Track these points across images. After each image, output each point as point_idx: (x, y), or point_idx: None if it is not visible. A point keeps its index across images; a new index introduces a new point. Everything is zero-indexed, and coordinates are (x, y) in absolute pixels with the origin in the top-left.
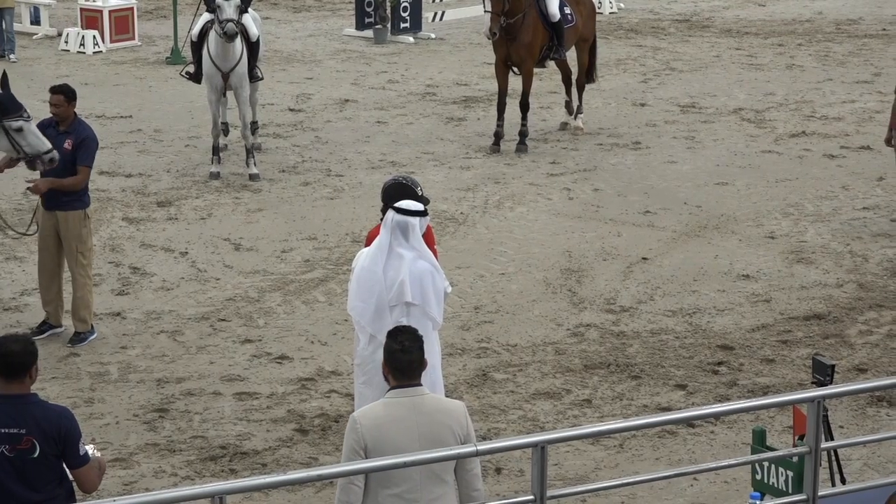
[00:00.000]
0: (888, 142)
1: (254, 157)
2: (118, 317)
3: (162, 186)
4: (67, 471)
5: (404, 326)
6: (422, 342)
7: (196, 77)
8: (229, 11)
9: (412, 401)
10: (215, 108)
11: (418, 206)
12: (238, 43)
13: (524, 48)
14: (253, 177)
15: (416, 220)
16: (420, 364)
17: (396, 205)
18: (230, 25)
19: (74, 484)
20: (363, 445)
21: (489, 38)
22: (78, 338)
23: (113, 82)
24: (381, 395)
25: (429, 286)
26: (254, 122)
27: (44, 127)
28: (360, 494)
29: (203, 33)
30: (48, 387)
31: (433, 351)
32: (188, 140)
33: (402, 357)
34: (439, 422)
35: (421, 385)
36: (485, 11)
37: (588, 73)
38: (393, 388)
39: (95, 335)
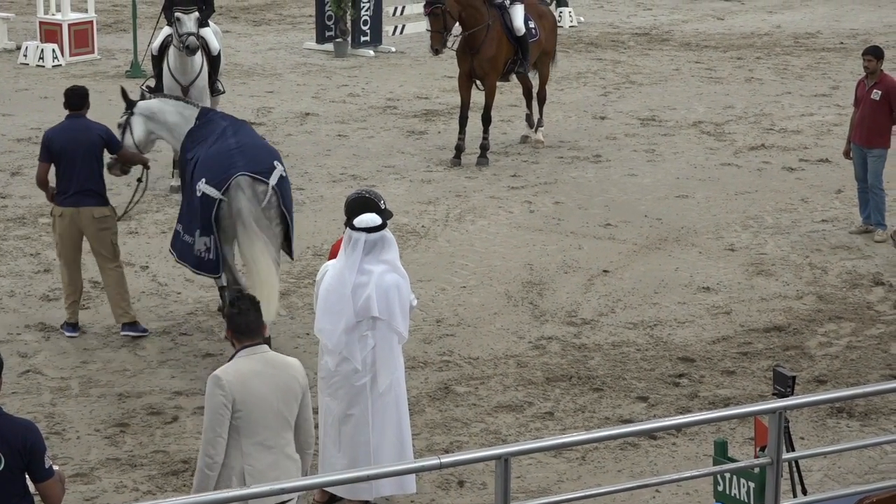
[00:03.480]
0: (846, 154)
1: None
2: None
3: (122, 200)
4: (31, 486)
5: (240, 293)
6: (258, 305)
7: (157, 91)
8: (189, 25)
9: (262, 357)
10: None
11: (377, 220)
12: (198, 56)
13: (488, 62)
14: None
15: (388, 234)
16: (260, 323)
17: (357, 224)
18: (192, 39)
19: (37, 498)
20: (231, 399)
21: (433, 55)
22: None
23: None
24: (347, 407)
25: (394, 300)
26: None
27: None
28: (224, 447)
29: (163, 47)
30: (8, 402)
31: (397, 365)
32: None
33: (242, 319)
34: (289, 374)
35: (263, 343)
36: (426, 30)
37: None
38: (241, 348)
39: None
